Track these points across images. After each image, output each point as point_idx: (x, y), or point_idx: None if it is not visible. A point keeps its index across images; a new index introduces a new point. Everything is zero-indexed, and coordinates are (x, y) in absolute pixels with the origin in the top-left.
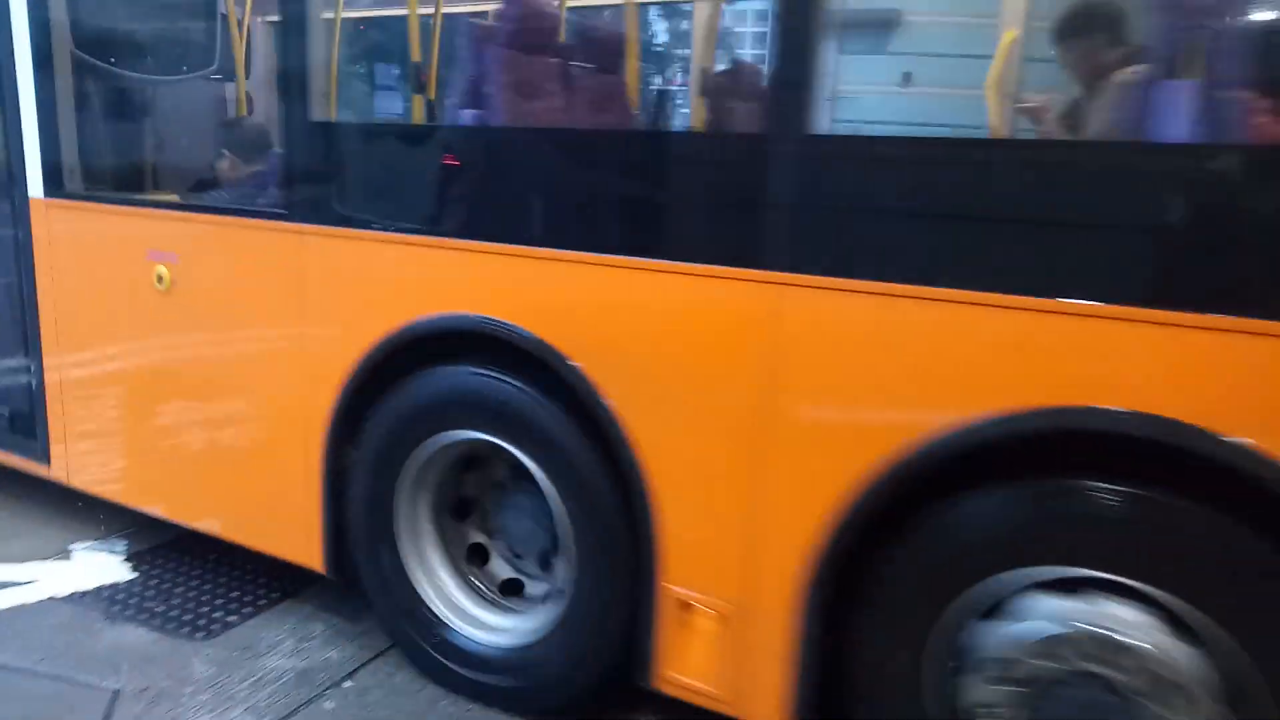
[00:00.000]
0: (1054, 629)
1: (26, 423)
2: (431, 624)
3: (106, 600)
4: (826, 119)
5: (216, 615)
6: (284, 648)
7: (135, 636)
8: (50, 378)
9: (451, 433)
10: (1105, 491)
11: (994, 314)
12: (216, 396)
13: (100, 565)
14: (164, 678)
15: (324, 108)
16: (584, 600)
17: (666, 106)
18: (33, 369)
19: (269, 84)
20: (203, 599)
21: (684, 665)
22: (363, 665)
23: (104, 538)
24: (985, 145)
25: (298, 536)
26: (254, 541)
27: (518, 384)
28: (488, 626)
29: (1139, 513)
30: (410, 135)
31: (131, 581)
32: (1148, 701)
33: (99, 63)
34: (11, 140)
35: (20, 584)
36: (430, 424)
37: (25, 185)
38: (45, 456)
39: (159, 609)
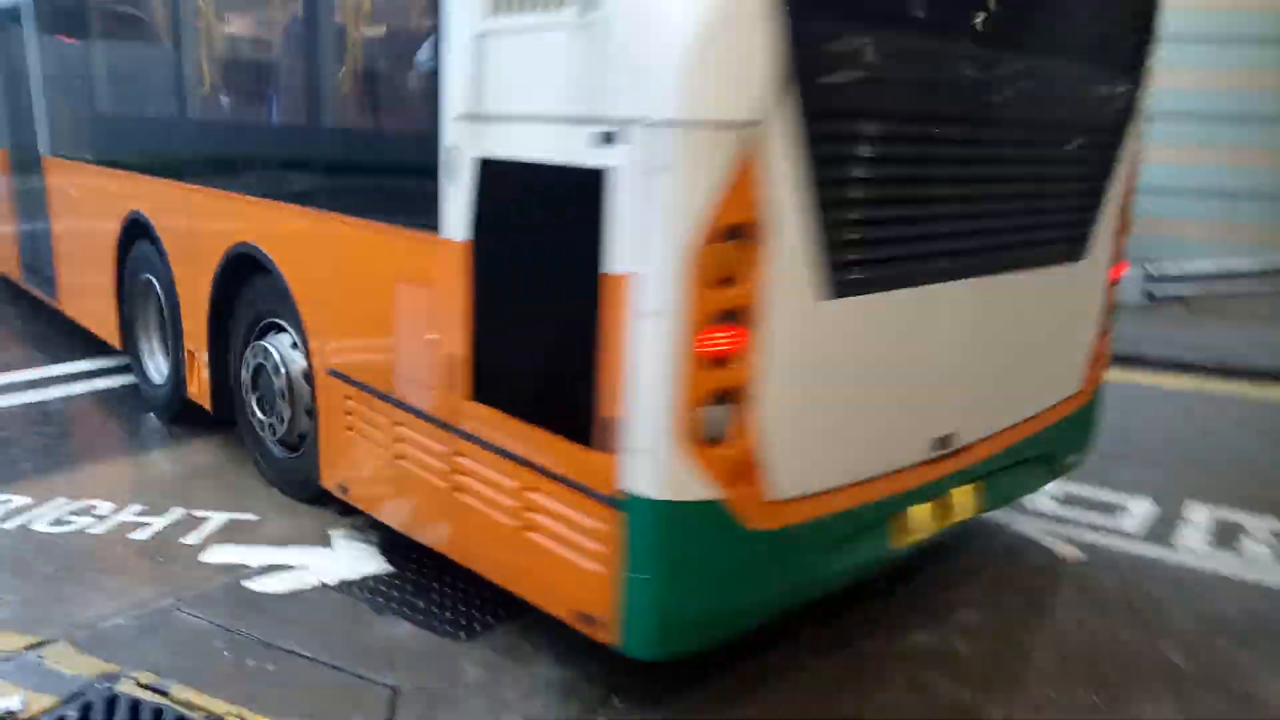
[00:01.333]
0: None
1: None
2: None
3: (371, 592)
4: None
5: (476, 615)
6: (549, 655)
7: (403, 632)
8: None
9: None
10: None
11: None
12: None
13: (360, 555)
14: (437, 678)
15: None
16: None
17: None
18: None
19: None
20: (459, 596)
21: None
22: (628, 677)
23: (359, 526)
24: None
25: None
26: None
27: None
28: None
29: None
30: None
31: (391, 575)
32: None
33: None
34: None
35: (292, 568)
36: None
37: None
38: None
39: (420, 604)
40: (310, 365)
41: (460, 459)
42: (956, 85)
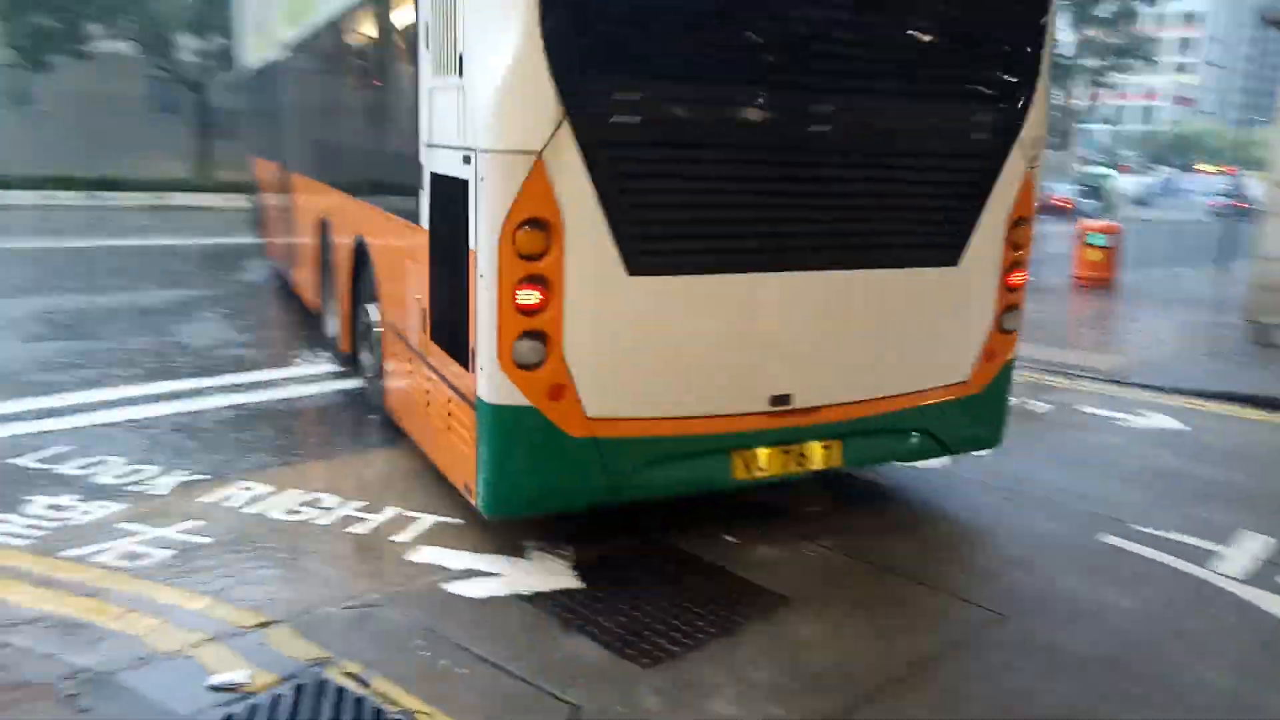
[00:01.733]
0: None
1: None
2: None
3: (560, 607)
4: None
5: (658, 641)
6: (727, 693)
7: (587, 650)
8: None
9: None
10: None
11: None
12: None
13: (553, 569)
14: (617, 701)
15: None
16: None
17: None
18: None
19: None
20: (643, 621)
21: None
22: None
23: (554, 541)
24: None
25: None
26: None
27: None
28: None
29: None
30: None
31: (580, 591)
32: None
33: None
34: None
35: (489, 574)
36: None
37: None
38: None
39: (605, 624)
40: (380, 320)
41: (426, 381)
42: (722, 121)
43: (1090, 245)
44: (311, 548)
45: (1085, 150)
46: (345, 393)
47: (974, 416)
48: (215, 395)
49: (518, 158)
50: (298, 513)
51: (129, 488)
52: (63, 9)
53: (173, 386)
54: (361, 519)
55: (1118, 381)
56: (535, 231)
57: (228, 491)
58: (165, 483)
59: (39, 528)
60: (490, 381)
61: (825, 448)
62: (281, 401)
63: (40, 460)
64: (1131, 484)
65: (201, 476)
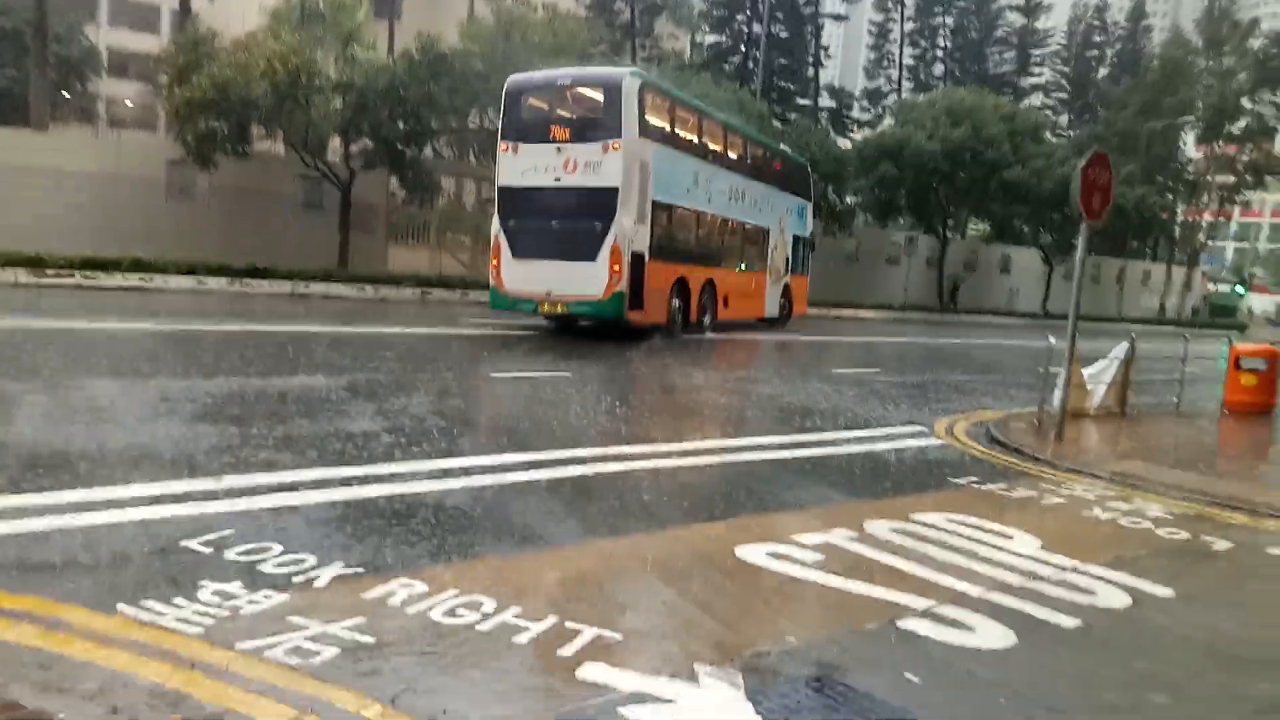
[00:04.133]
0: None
1: None
2: None
3: None
4: None
5: None
6: None
7: None
8: None
9: None
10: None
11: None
12: None
13: (728, 699)
14: None
15: None
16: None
17: None
18: None
19: None
20: None
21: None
22: None
23: (724, 665)
24: None
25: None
26: None
27: None
28: None
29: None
30: None
31: None
32: None
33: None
34: None
35: (661, 700)
36: None
37: None
38: None
39: None
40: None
41: None
42: None
43: (1244, 370)
44: (477, 656)
45: (1210, 266)
46: (516, 483)
47: (608, 305)
48: (373, 485)
49: None
50: (458, 616)
51: (292, 578)
52: (231, 112)
53: (329, 474)
54: (522, 627)
55: None
56: None
57: (388, 588)
58: (325, 574)
59: (209, 615)
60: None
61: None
62: (440, 493)
63: (205, 544)
64: None
65: (358, 570)
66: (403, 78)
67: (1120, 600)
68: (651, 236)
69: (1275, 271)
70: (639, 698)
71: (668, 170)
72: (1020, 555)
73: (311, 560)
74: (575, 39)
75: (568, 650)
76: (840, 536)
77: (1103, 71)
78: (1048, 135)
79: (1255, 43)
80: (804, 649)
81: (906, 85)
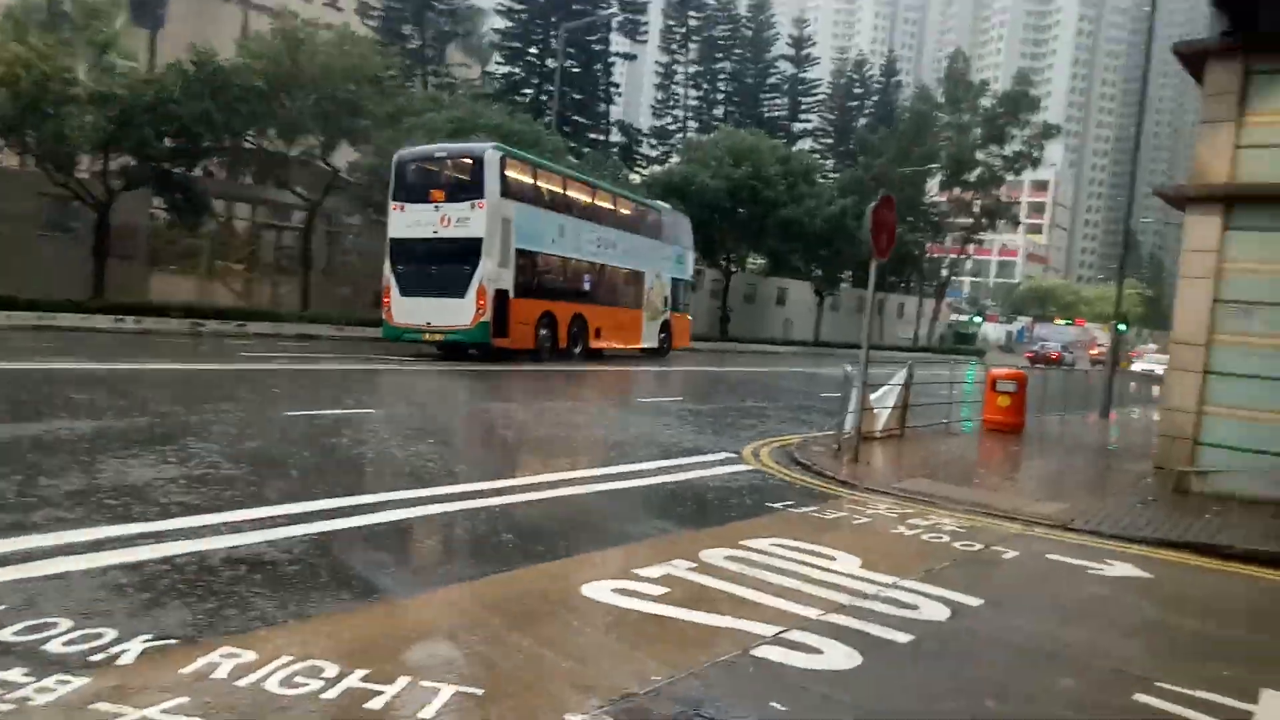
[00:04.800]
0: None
1: None
2: None
3: None
4: None
5: None
6: None
7: None
8: None
9: None
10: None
11: None
12: None
13: None
14: None
15: None
16: None
17: None
18: None
19: None
20: None
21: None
22: None
23: (599, 709)
24: None
25: None
26: None
27: None
28: None
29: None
30: None
31: None
32: None
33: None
34: None
35: None
36: None
37: None
38: None
39: None
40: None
41: None
42: None
43: (1000, 392)
44: None
45: (952, 299)
46: (307, 539)
47: (477, 332)
48: (167, 542)
49: None
50: (298, 685)
51: (88, 657)
52: None
53: (112, 532)
54: (374, 691)
55: (1066, 527)
56: None
57: (209, 659)
58: (130, 649)
59: None
60: None
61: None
62: (249, 546)
63: None
64: (1132, 638)
65: (169, 641)
66: (172, 92)
67: (940, 612)
68: (516, 277)
69: (1003, 302)
70: None
71: (530, 223)
72: (845, 575)
73: (110, 634)
74: (366, 61)
75: (428, 713)
76: (680, 567)
77: (862, 120)
78: (818, 178)
79: (985, 101)
80: (669, 686)
81: (691, 124)
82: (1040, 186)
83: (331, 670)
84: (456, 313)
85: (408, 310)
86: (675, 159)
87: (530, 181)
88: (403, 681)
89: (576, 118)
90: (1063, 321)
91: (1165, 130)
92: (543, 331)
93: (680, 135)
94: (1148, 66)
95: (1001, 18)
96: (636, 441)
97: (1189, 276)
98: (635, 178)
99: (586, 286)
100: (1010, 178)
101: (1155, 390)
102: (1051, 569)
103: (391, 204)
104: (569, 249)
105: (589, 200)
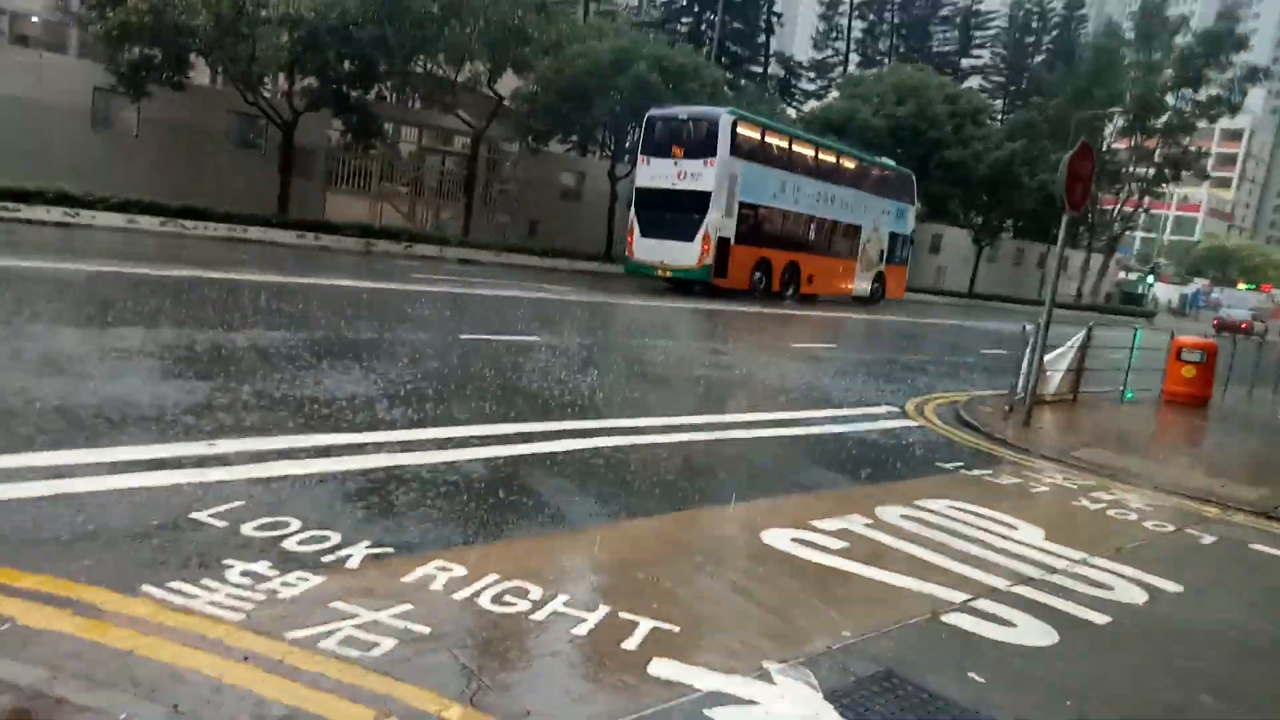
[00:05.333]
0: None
1: None
2: None
3: None
4: None
5: None
6: None
7: None
8: None
9: None
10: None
11: None
12: None
13: (806, 698)
14: None
15: None
16: None
17: None
18: None
19: None
20: None
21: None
22: None
23: (793, 661)
24: None
25: None
26: None
27: None
28: None
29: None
30: None
31: None
32: None
33: None
34: None
35: (743, 701)
36: None
37: None
38: None
39: None
40: None
41: None
42: None
43: (1185, 362)
44: (541, 650)
45: (1122, 255)
46: (514, 458)
47: (703, 271)
48: (380, 454)
49: None
50: (507, 604)
51: (321, 557)
52: (167, 40)
53: (329, 440)
54: (577, 618)
55: (1269, 515)
56: None
57: (425, 570)
58: (354, 554)
59: (245, 599)
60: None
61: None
62: (449, 464)
63: (215, 516)
64: None
65: (388, 550)
66: (354, 15)
67: (1137, 595)
68: (738, 226)
69: (1179, 262)
70: (720, 698)
71: (755, 179)
72: (1030, 546)
73: (335, 537)
74: None
75: (630, 644)
76: (857, 523)
77: (1038, 58)
78: (987, 119)
79: (1181, 40)
80: (860, 644)
81: (854, 59)
82: (1233, 136)
83: (536, 592)
84: (685, 254)
85: (647, 249)
86: (835, 94)
87: (758, 140)
88: (603, 610)
89: (735, 48)
90: (1246, 286)
91: None
92: (757, 275)
93: (841, 70)
94: None
95: None
96: (801, 388)
97: None
98: (792, 114)
99: (803, 237)
100: (1202, 125)
101: None
102: (1258, 560)
103: (640, 157)
104: (789, 202)
105: (812, 157)
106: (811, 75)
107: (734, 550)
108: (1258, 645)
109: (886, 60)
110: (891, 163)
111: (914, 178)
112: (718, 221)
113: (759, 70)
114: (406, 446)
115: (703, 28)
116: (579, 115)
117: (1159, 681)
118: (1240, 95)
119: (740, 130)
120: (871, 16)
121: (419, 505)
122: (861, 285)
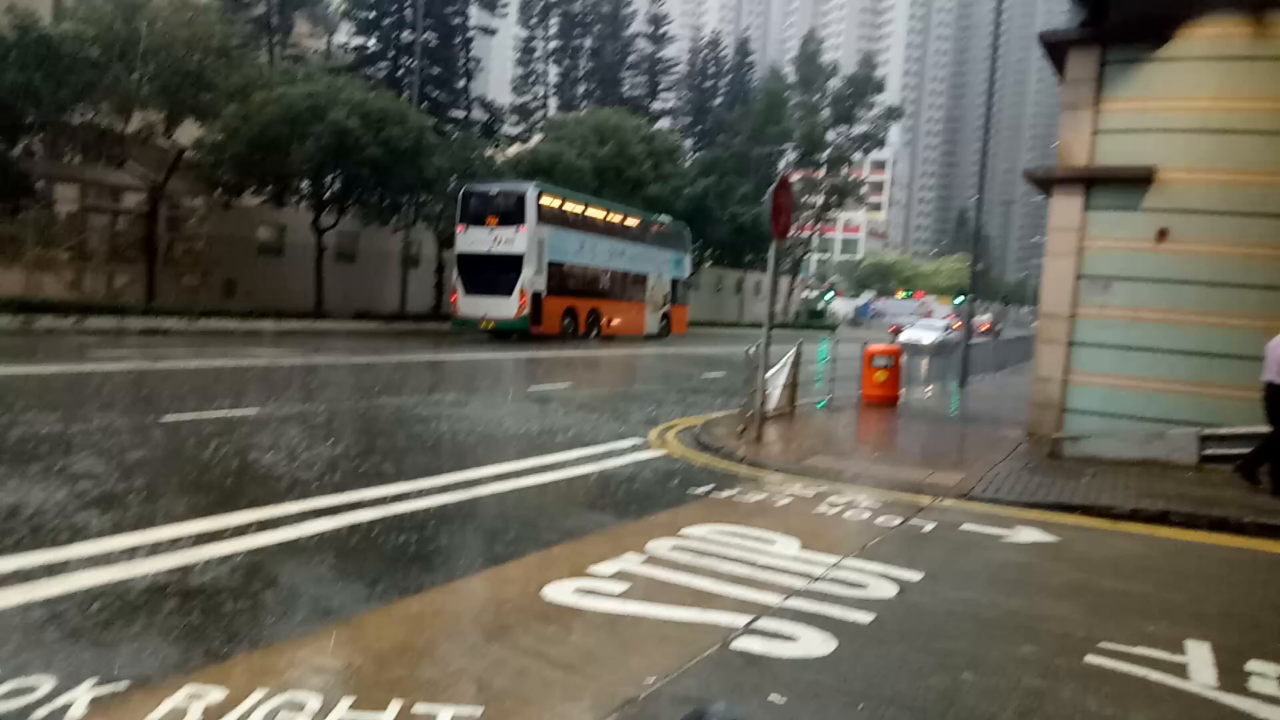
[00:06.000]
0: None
1: None
2: None
3: None
4: None
5: None
6: None
7: None
8: None
9: None
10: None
11: None
12: None
13: None
14: None
15: None
16: None
17: None
18: None
19: None
20: None
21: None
22: None
23: (611, 718)
24: None
25: None
26: None
27: None
28: None
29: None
30: None
31: None
32: None
33: None
34: None
35: None
36: None
37: None
38: None
39: None
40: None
41: None
42: None
43: (876, 368)
44: None
45: (803, 276)
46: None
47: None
48: (90, 570)
49: None
50: None
51: (29, 715)
52: None
53: (24, 561)
54: None
55: (968, 496)
56: None
57: (173, 702)
58: (77, 699)
59: None
60: None
61: None
62: (184, 568)
63: None
64: (1064, 601)
65: (118, 686)
66: None
67: (889, 589)
68: (548, 281)
69: (848, 278)
70: None
71: (559, 241)
72: (790, 557)
73: (46, 684)
74: (210, 30)
75: None
76: (633, 561)
77: (717, 100)
78: (680, 157)
79: (834, 83)
80: (666, 687)
81: (553, 103)
82: (880, 166)
83: (314, 702)
84: (505, 307)
85: (471, 305)
86: (538, 137)
87: (559, 208)
88: (396, 706)
89: (436, 93)
90: (903, 295)
91: (1006, 115)
92: (566, 321)
93: (543, 113)
94: (995, 57)
95: (841, 0)
96: (547, 430)
97: (1055, 254)
98: (499, 157)
99: (602, 286)
100: (856, 157)
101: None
102: (970, 539)
103: (459, 225)
104: (588, 259)
105: (604, 219)
106: (514, 119)
107: (518, 612)
108: (991, 617)
109: (584, 104)
110: (668, 218)
111: (688, 228)
112: (531, 279)
113: (462, 115)
114: (128, 555)
115: (399, 73)
116: (273, 165)
117: (925, 667)
118: (883, 130)
119: (544, 200)
120: (567, 61)
121: (151, 624)
122: (652, 324)
